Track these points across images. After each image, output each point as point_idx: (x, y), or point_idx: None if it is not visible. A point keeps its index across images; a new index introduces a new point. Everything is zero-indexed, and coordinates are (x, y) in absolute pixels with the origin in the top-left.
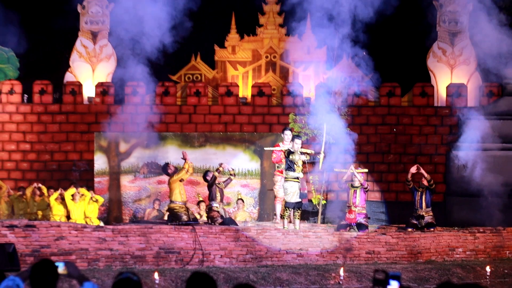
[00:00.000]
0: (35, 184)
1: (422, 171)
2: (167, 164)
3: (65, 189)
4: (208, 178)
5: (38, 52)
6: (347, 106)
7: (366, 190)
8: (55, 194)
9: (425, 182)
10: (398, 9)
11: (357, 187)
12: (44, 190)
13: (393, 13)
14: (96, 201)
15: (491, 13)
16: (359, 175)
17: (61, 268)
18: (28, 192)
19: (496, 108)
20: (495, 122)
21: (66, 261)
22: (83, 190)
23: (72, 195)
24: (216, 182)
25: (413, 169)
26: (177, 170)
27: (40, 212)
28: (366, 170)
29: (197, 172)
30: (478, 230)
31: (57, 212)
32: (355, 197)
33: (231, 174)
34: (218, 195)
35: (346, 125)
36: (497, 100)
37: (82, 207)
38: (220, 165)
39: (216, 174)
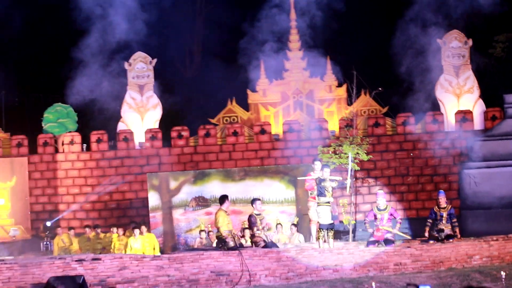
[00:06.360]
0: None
1: None
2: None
3: (124, 226)
4: (253, 219)
5: (93, 106)
6: (368, 136)
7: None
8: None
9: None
10: (406, 48)
11: (382, 210)
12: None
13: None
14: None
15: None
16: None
17: None
18: (91, 233)
19: (499, 130)
20: (499, 142)
21: None
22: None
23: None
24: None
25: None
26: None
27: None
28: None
29: (239, 202)
30: (492, 239)
31: (120, 246)
32: (382, 219)
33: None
34: (259, 222)
35: (368, 153)
36: (499, 123)
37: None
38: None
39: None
